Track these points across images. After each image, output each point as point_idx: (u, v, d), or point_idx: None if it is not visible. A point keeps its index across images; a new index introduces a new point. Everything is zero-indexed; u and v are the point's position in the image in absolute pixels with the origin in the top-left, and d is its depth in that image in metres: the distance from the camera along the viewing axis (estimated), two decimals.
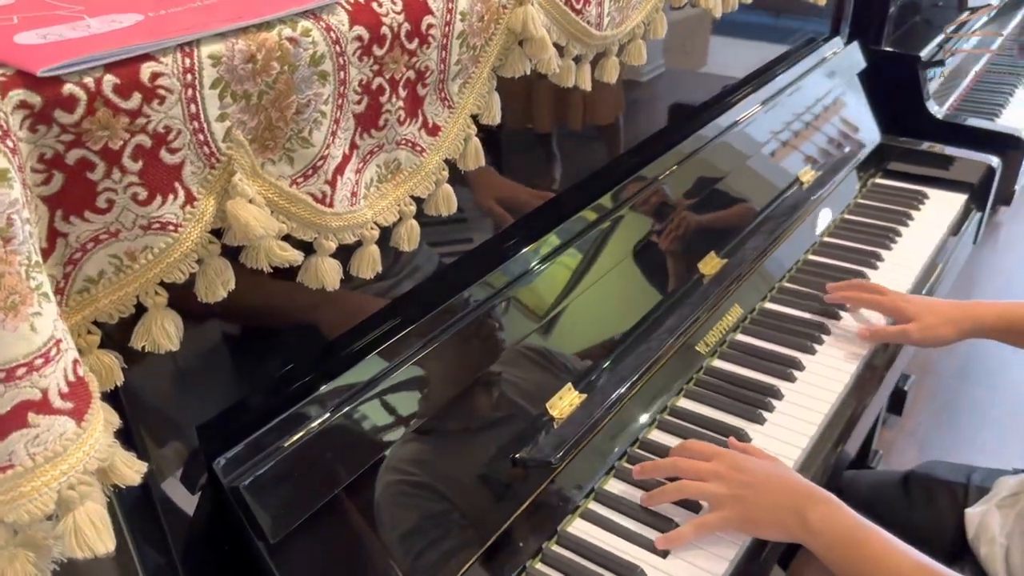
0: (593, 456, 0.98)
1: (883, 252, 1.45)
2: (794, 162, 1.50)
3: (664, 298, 1.17)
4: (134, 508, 0.65)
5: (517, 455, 0.91)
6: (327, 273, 0.67)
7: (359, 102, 0.66)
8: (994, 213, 2.15)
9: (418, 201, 0.75)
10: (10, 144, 0.45)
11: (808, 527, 0.85)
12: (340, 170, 0.65)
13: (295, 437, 0.74)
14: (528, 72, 0.80)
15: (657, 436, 1.05)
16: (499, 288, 0.96)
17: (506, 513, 0.89)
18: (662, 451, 1.01)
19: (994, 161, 1.64)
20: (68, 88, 0.48)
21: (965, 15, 2.10)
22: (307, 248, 0.66)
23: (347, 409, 0.78)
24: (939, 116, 1.83)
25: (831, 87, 1.65)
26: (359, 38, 0.63)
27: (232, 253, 0.61)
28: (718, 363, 1.18)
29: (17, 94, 0.46)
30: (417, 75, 0.70)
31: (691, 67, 1.34)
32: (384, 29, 0.64)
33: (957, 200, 1.62)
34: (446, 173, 0.76)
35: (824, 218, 1.51)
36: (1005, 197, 1.85)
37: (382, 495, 0.80)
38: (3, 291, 0.44)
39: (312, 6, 0.60)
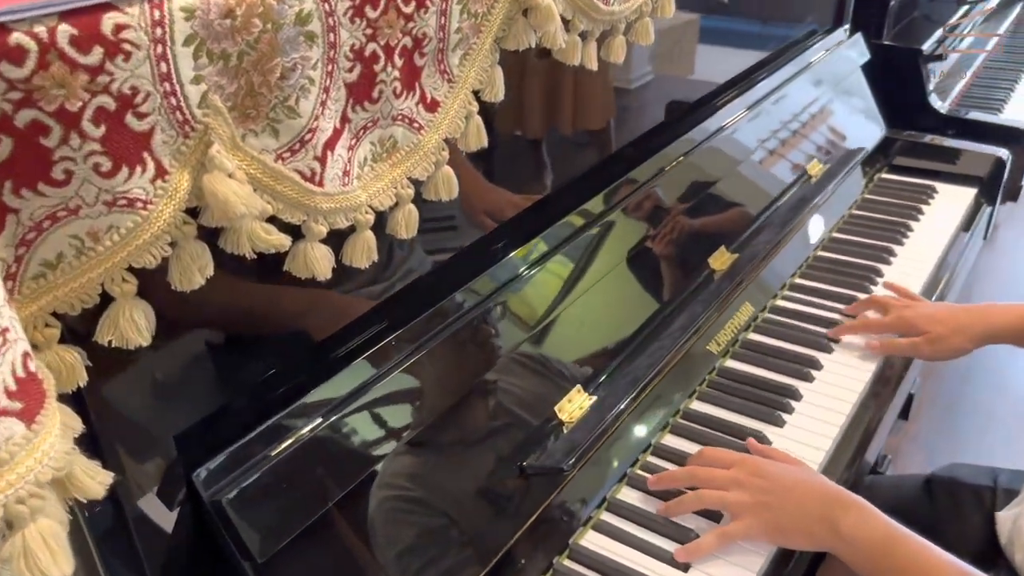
0: (604, 463, 0.92)
1: (896, 247, 1.39)
2: (801, 155, 1.45)
3: (674, 295, 1.11)
4: (103, 526, 0.58)
5: (525, 463, 0.84)
6: (317, 261, 0.61)
7: (351, 70, 0.59)
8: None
9: (416, 184, 0.69)
10: None
11: (839, 534, 0.79)
12: (330, 145, 0.59)
13: (283, 446, 0.67)
14: (533, 44, 0.74)
15: (671, 441, 0.99)
16: (499, 286, 0.89)
17: (513, 527, 0.82)
18: (677, 457, 0.95)
19: (1003, 153, 1.59)
20: (16, 38, 0.41)
21: (964, 10, 2.06)
22: (295, 234, 0.59)
23: (339, 416, 0.71)
24: (943, 111, 1.79)
25: (836, 78, 1.60)
26: None
27: (211, 239, 0.54)
28: (731, 363, 1.12)
29: None
30: (414, 43, 0.63)
31: (694, 65, 1.29)
32: None
33: (967, 194, 1.58)
34: (446, 154, 0.70)
35: (833, 213, 1.45)
36: (1012, 192, 1.81)
37: (378, 511, 0.73)
38: None
39: None
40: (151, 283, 0.52)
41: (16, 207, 0.45)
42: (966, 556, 0.87)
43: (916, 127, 1.74)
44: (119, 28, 0.45)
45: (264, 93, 0.53)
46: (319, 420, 0.69)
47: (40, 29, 0.42)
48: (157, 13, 0.46)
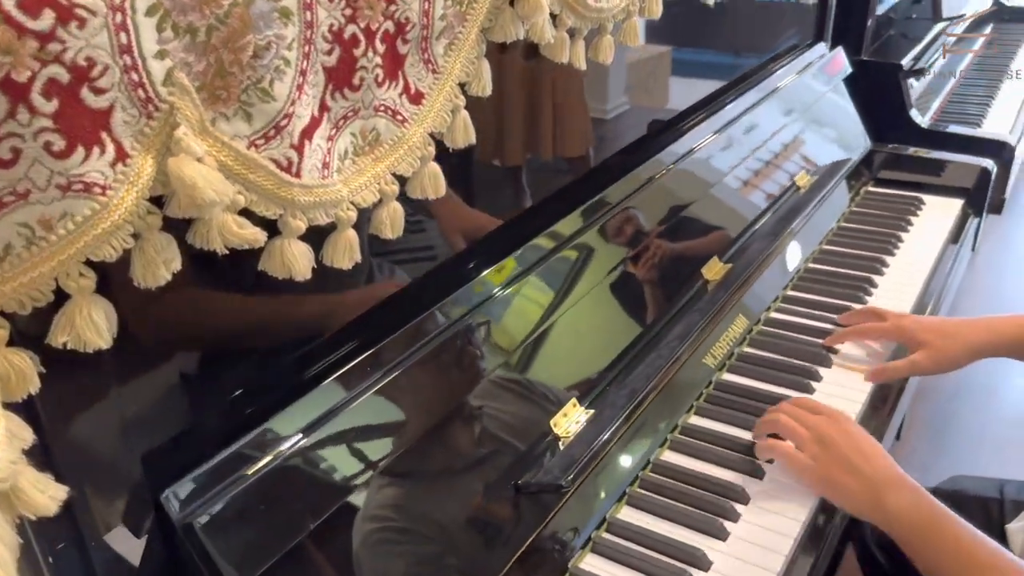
0: (601, 482, 0.87)
1: (887, 257, 1.37)
2: (789, 167, 1.42)
3: (669, 307, 1.07)
4: (60, 555, 0.52)
5: (520, 481, 0.79)
6: (296, 259, 0.56)
7: (329, 52, 0.55)
8: None
9: (401, 181, 0.65)
10: None
11: (885, 511, 0.81)
12: (308, 134, 0.55)
13: (260, 465, 0.62)
14: (521, 36, 0.70)
15: (670, 457, 0.94)
16: (484, 298, 0.85)
17: (507, 552, 0.77)
18: (676, 473, 0.91)
19: (988, 163, 1.58)
20: None
21: (939, 28, 2.07)
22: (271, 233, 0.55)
23: (321, 433, 0.66)
24: (924, 126, 1.78)
25: (819, 92, 1.58)
26: None
27: (179, 235, 0.49)
28: (729, 376, 1.08)
29: None
30: (397, 28, 0.60)
31: (668, 95, 1.27)
32: None
33: (954, 205, 1.56)
34: (432, 149, 0.66)
35: (822, 225, 1.43)
36: (995, 206, 1.79)
37: (365, 543, 0.68)
38: None
39: None
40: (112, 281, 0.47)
41: None
42: None
43: (898, 142, 1.73)
44: None
45: (235, 73, 0.49)
46: (302, 435, 0.64)
47: None
48: None
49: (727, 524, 0.85)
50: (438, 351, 0.78)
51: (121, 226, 0.45)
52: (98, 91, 0.43)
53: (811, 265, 1.35)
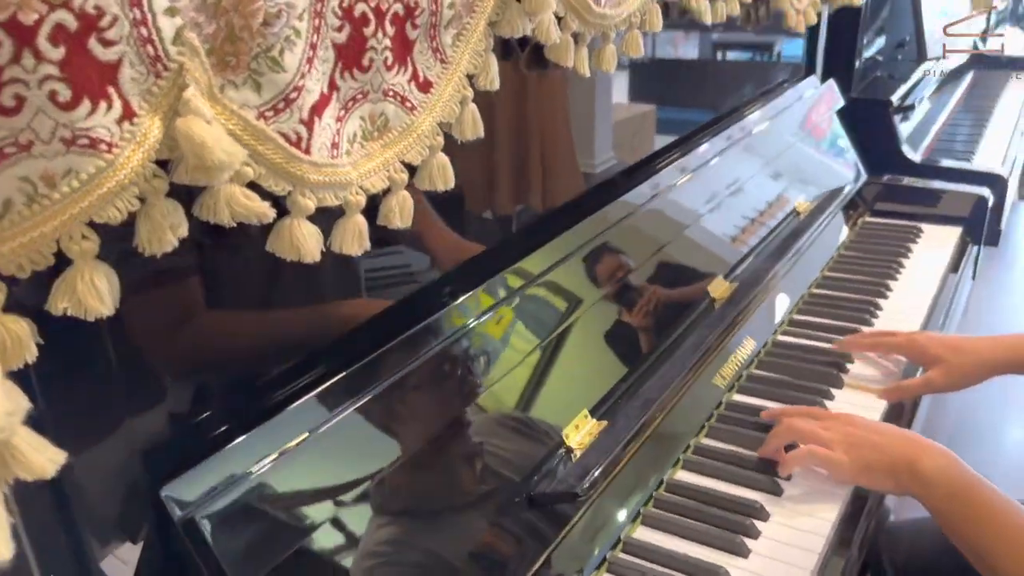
0: (616, 501, 0.83)
1: (890, 282, 1.36)
2: (789, 193, 1.42)
3: (676, 325, 1.05)
4: (51, 551, 0.49)
5: (534, 492, 0.76)
6: (304, 239, 0.54)
7: (340, 29, 0.54)
8: None
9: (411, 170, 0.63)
10: None
11: (920, 477, 0.80)
12: (318, 111, 0.53)
13: (267, 460, 0.58)
14: (527, 32, 0.70)
15: (684, 476, 0.91)
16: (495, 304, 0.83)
17: (521, 571, 0.73)
18: (692, 492, 0.88)
19: (985, 192, 1.59)
20: None
21: (924, 68, 2.11)
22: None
23: (332, 422, 0.63)
24: (916, 161, 1.79)
25: (813, 122, 1.60)
26: None
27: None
28: (739, 397, 1.05)
29: None
30: (406, 10, 0.59)
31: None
32: None
33: (952, 233, 1.56)
34: (441, 139, 0.64)
35: (824, 251, 1.42)
36: (991, 237, 1.80)
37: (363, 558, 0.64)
38: None
39: None
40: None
41: None
42: None
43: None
44: None
45: (245, 38, 0.48)
46: (307, 432, 0.61)
47: None
48: None
49: (748, 541, 0.82)
50: (461, 345, 0.76)
51: (127, 187, 0.44)
52: (106, 43, 0.42)
53: (815, 291, 1.33)
